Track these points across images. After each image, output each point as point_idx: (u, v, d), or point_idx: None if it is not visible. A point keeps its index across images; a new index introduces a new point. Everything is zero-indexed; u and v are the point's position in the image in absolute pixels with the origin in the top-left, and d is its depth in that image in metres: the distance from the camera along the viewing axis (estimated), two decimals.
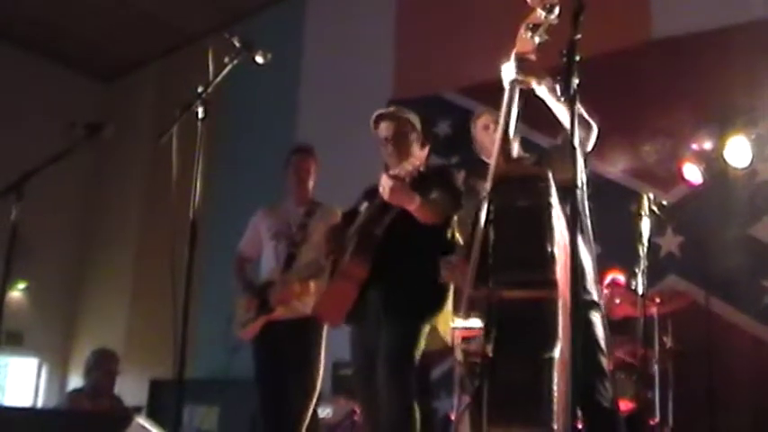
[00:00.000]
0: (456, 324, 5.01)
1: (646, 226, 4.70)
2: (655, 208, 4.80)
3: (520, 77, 3.05)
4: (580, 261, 3.17)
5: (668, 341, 4.88)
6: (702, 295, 5.13)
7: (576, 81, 2.25)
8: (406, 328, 3.64)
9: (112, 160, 9.97)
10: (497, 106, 3.09)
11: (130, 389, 7.27)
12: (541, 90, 3.12)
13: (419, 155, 3.90)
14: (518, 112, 3.05)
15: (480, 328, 5.27)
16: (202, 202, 3.08)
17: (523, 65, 3.04)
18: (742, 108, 5.50)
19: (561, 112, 3.15)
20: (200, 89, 3.07)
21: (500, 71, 3.09)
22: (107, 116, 9.54)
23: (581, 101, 2.38)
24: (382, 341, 3.62)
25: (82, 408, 5.94)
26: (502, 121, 3.09)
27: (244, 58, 3.24)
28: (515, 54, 3.04)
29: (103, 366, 6.09)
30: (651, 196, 4.85)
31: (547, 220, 2.95)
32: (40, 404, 9.58)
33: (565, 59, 2.29)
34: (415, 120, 3.92)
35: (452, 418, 5.21)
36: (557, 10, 2.89)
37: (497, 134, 3.11)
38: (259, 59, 3.30)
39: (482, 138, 3.71)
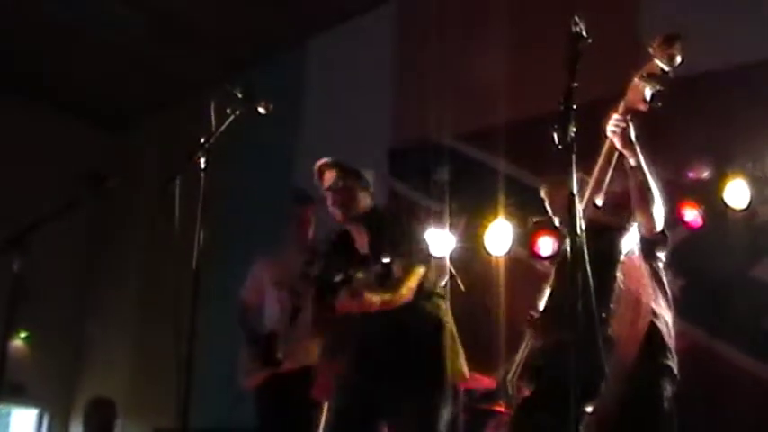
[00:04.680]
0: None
1: None
2: None
3: (618, 145, 2.98)
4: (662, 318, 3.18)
5: None
6: (704, 337, 5.12)
7: (573, 129, 2.26)
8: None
9: (115, 210, 9.98)
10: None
11: None
12: (628, 162, 3.05)
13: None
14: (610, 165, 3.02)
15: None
16: (205, 251, 3.10)
17: (623, 135, 2.94)
18: (740, 149, 5.53)
19: (639, 190, 3.08)
20: (202, 140, 3.10)
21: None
22: (110, 166, 9.60)
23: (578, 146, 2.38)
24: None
25: None
26: (596, 171, 3.05)
27: (246, 110, 3.28)
28: (624, 105, 2.94)
29: (101, 415, 6.08)
30: None
31: (613, 275, 2.99)
32: None
33: (562, 108, 2.30)
34: (366, 174, 3.85)
35: None
36: (677, 60, 2.76)
37: (591, 181, 3.07)
38: (261, 110, 3.34)
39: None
